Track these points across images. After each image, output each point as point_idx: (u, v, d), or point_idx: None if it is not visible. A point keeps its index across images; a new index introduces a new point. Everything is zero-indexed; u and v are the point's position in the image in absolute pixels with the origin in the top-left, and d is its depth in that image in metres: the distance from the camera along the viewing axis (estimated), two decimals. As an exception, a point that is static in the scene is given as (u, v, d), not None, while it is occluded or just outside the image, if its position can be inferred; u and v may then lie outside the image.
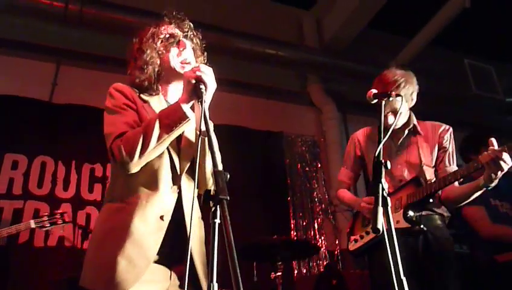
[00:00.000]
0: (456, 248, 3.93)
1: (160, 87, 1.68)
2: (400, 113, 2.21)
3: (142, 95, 1.62)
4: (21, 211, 3.98)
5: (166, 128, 1.44)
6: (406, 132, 2.42)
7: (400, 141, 2.42)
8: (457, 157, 2.77)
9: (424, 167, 2.34)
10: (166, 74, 1.67)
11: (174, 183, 1.53)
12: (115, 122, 1.52)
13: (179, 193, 1.53)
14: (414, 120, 2.45)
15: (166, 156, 1.53)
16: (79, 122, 4.43)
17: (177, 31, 1.69)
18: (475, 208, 2.98)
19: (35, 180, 4.16)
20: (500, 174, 1.97)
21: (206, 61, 1.79)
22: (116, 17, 4.55)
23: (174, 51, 1.67)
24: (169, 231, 1.47)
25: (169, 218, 1.47)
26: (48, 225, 3.12)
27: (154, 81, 1.64)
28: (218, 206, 1.06)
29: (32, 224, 3.07)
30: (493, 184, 2.02)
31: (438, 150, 2.40)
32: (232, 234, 1.03)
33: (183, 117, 1.44)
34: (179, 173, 1.54)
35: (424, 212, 2.28)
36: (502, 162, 1.94)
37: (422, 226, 2.19)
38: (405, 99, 2.12)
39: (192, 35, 1.73)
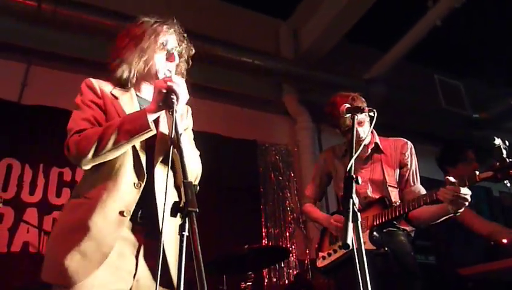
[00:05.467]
0: (422, 259, 4.03)
1: (135, 82, 1.66)
2: (371, 127, 2.20)
3: (113, 91, 1.61)
4: (-17, 215, 3.81)
5: (126, 135, 1.42)
6: (370, 149, 2.47)
7: (363, 158, 2.46)
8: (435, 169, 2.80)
9: (390, 188, 2.36)
10: (146, 74, 1.66)
11: (139, 179, 1.49)
12: (76, 118, 1.54)
13: (151, 188, 1.48)
14: (376, 138, 2.51)
15: (130, 151, 1.51)
16: (48, 124, 4.30)
17: (173, 42, 1.69)
18: (466, 210, 2.97)
19: (0, 184, 3.99)
20: (464, 206, 1.98)
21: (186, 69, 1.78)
22: (91, 18, 4.45)
23: (162, 57, 1.65)
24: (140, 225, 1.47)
25: (131, 213, 1.44)
26: None
27: (132, 76, 1.63)
28: (187, 218, 1.05)
29: None
30: (461, 211, 2.03)
31: (400, 168, 2.43)
32: (199, 246, 1.02)
33: (146, 127, 1.43)
34: (145, 168, 1.50)
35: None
36: (461, 201, 1.95)
37: (386, 249, 2.20)
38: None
39: (185, 50, 1.73)
